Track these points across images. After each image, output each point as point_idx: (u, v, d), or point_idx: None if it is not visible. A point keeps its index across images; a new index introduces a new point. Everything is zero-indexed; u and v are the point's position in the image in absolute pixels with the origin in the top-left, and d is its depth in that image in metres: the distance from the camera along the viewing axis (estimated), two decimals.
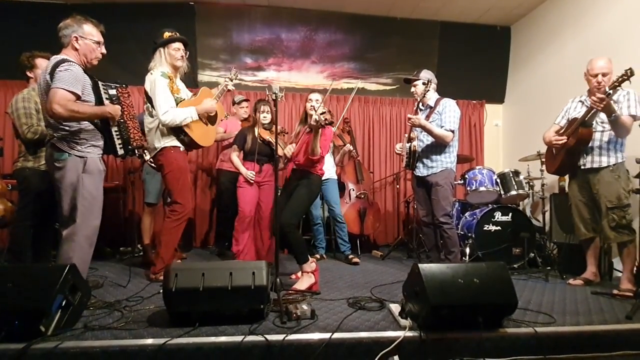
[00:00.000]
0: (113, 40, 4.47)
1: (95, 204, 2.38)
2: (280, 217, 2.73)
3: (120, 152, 2.48)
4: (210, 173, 4.92)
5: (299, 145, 2.97)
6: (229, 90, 3.18)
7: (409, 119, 3.18)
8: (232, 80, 3.17)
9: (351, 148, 4.20)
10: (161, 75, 2.84)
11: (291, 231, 2.72)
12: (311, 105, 3.00)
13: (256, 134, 3.52)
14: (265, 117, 3.57)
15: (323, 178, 3.97)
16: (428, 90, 3.27)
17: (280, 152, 3.25)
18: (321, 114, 2.63)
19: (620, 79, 2.59)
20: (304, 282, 2.74)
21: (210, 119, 3.05)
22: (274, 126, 3.53)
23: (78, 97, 2.26)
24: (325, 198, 4.13)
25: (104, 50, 2.47)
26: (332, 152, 4.18)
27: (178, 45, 2.93)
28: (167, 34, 2.92)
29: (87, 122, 2.36)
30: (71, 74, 2.22)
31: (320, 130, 2.68)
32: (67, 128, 2.31)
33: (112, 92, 2.49)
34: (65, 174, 2.31)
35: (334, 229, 4.18)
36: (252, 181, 3.48)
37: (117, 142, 2.46)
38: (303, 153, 2.91)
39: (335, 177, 4.24)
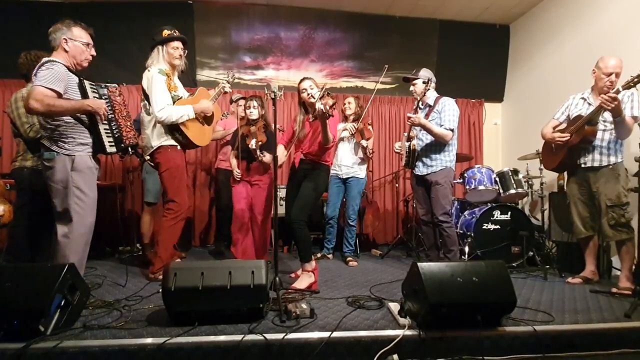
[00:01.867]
0: (111, 39, 4.55)
1: (88, 202, 2.39)
2: (288, 211, 2.71)
3: (111, 149, 2.48)
4: (209, 172, 4.91)
5: (307, 138, 2.90)
6: (225, 92, 3.17)
7: (409, 117, 3.18)
8: (229, 83, 3.17)
9: (365, 144, 3.93)
10: (158, 72, 2.84)
11: (300, 227, 2.67)
12: (308, 94, 2.84)
13: (244, 131, 3.40)
14: (251, 112, 3.44)
15: (347, 176, 3.96)
16: (428, 89, 3.26)
17: (252, 145, 3.17)
18: (320, 98, 2.51)
19: (636, 79, 2.52)
20: (303, 280, 2.74)
21: (206, 119, 3.05)
22: (260, 121, 3.45)
23: (59, 95, 2.26)
24: (347, 196, 4.02)
25: (93, 52, 2.50)
26: (359, 150, 4.02)
27: (177, 44, 2.93)
28: (166, 32, 2.91)
29: (73, 120, 2.36)
30: (51, 73, 2.24)
31: (330, 113, 2.56)
32: (53, 127, 2.33)
33: (103, 91, 2.51)
34: (55, 172, 2.33)
35: (343, 229, 4.11)
36: (238, 178, 3.41)
37: (108, 139, 2.47)
38: (311, 143, 2.85)
39: (362, 176, 4.03)
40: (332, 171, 3.94)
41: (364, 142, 3.93)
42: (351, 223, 4.03)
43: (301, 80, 2.94)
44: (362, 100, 4.42)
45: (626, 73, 2.71)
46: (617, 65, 2.81)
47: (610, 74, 2.80)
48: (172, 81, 2.94)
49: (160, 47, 2.90)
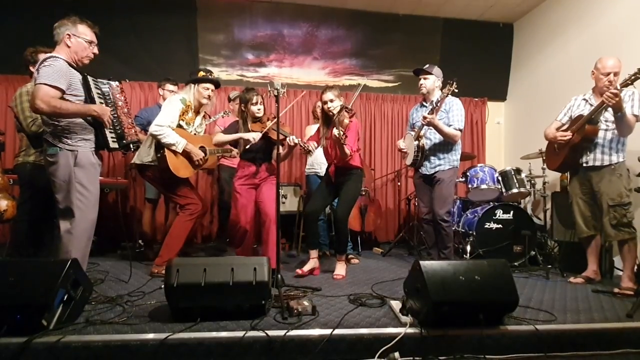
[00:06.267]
0: (114, 35, 4.55)
1: (90, 198, 2.39)
2: (336, 212, 3.14)
3: (113, 145, 2.49)
4: (211, 170, 4.90)
5: (331, 147, 3.11)
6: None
7: (424, 117, 3.13)
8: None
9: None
10: (180, 100, 3.03)
11: (346, 225, 3.14)
12: (327, 107, 3.05)
13: (259, 129, 3.17)
14: (259, 109, 3.18)
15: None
16: (447, 95, 3.10)
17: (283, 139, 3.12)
18: (338, 113, 2.87)
19: (633, 77, 2.57)
20: (341, 268, 3.14)
21: (192, 161, 3.08)
22: (262, 117, 3.34)
23: (62, 92, 2.26)
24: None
25: (95, 51, 2.49)
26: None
27: (208, 84, 3.09)
28: (201, 73, 3.12)
29: None
30: (54, 69, 2.23)
31: (343, 141, 2.84)
32: (56, 122, 2.32)
33: (105, 88, 2.51)
34: (58, 168, 2.33)
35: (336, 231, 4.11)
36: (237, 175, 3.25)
37: (110, 136, 2.47)
38: (335, 153, 3.07)
39: None
40: (311, 170, 4.01)
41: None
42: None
43: (324, 91, 3.10)
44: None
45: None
46: (615, 65, 2.84)
47: (609, 74, 2.84)
48: (190, 113, 3.09)
49: (192, 85, 3.08)
